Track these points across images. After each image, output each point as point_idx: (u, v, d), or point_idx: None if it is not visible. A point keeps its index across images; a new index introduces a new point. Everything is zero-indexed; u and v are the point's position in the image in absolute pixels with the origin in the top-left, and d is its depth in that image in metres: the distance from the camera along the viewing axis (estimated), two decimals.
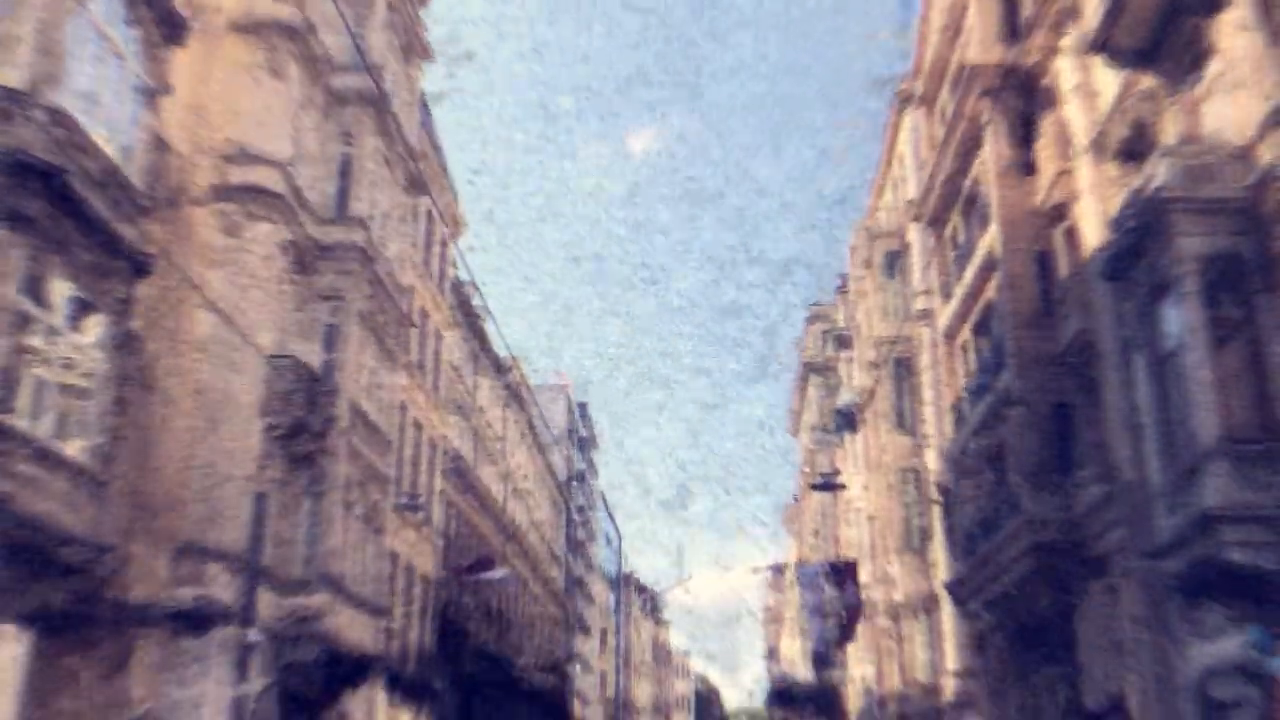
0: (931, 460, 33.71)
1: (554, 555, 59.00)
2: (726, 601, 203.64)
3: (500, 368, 45.25)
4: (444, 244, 36.18)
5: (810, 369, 59.05)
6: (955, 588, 27.42)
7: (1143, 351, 18.36)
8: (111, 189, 15.62)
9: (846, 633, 40.75)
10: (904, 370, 37.26)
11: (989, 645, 27.57)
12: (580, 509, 70.70)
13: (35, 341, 14.34)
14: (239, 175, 21.10)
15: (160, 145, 18.92)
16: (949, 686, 32.53)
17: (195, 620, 18.81)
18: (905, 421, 37.38)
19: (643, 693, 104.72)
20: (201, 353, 20.16)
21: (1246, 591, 15.05)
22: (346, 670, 22.63)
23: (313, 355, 22.81)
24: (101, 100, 16.16)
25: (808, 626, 52.08)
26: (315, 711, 23.02)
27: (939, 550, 32.75)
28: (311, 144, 23.89)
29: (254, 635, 18.05)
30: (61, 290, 14.92)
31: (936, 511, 32.11)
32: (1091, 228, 20.68)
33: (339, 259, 23.74)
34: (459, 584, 34.57)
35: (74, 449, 14.90)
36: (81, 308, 15.44)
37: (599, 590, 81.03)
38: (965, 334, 28.97)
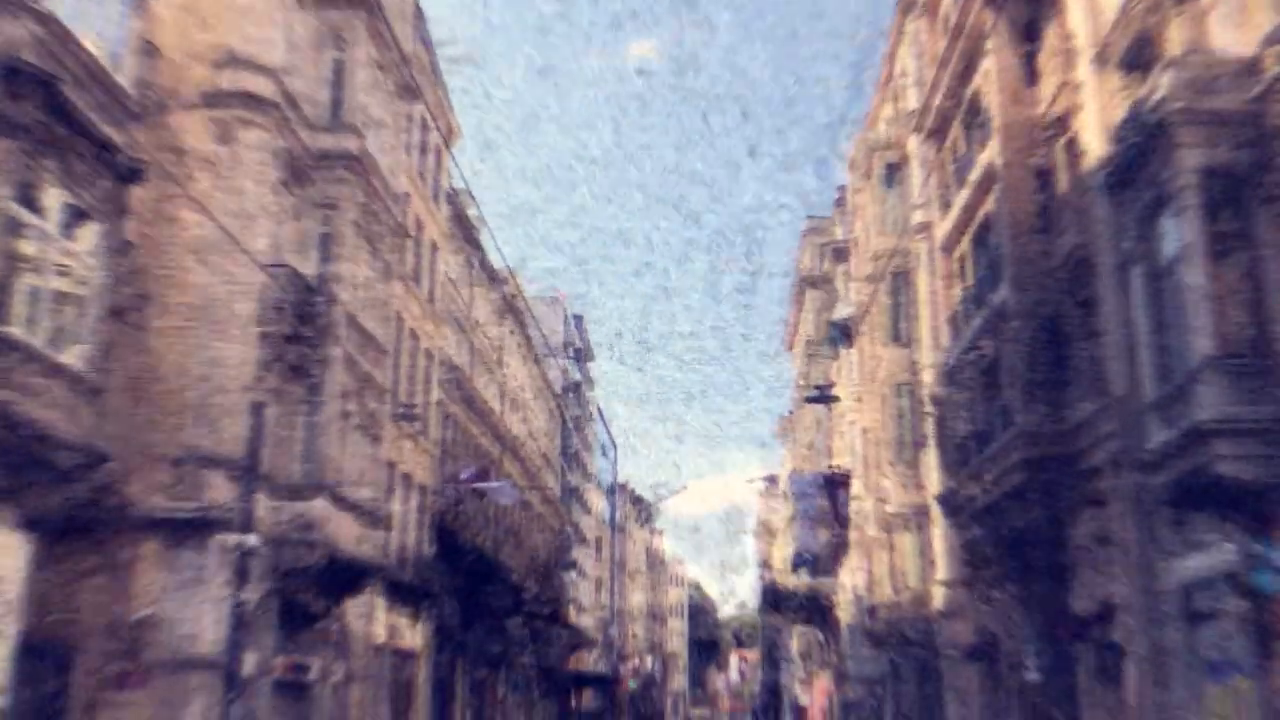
0: (926, 373, 33.87)
1: (550, 465, 59.55)
2: (720, 513, 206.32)
3: (496, 279, 45.14)
4: (439, 153, 35.81)
5: (807, 283, 58.95)
6: (947, 499, 27.77)
7: (1140, 265, 18.35)
8: (102, 94, 15.39)
9: (840, 538, 41.42)
10: (901, 284, 37.22)
11: (978, 556, 28.00)
12: (576, 420, 71.18)
13: (28, 249, 14.26)
14: (230, 81, 20.78)
15: (150, 50, 18.61)
16: (939, 595, 33.13)
17: (194, 526, 19.05)
18: (901, 335, 37.48)
19: (637, 600, 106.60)
20: (196, 261, 20.09)
21: (1235, 504, 15.26)
22: (345, 577, 22.94)
23: (308, 265, 22.73)
24: (89, 4, 15.83)
25: (799, 534, 52.83)
26: (315, 617, 23.42)
27: (931, 463, 33.07)
28: (304, 49, 23.49)
29: (253, 541, 18.27)
30: (54, 197, 14.80)
31: (930, 424, 32.34)
32: (1093, 140, 20.48)
33: (332, 167, 23.51)
34: (456, 493, 34.94)
35: (70, 357, 14.91)
36: (75, 215, 15.33)
37: (595, 500, 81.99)
38: (963, 247, 28.87)
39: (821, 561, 53.27)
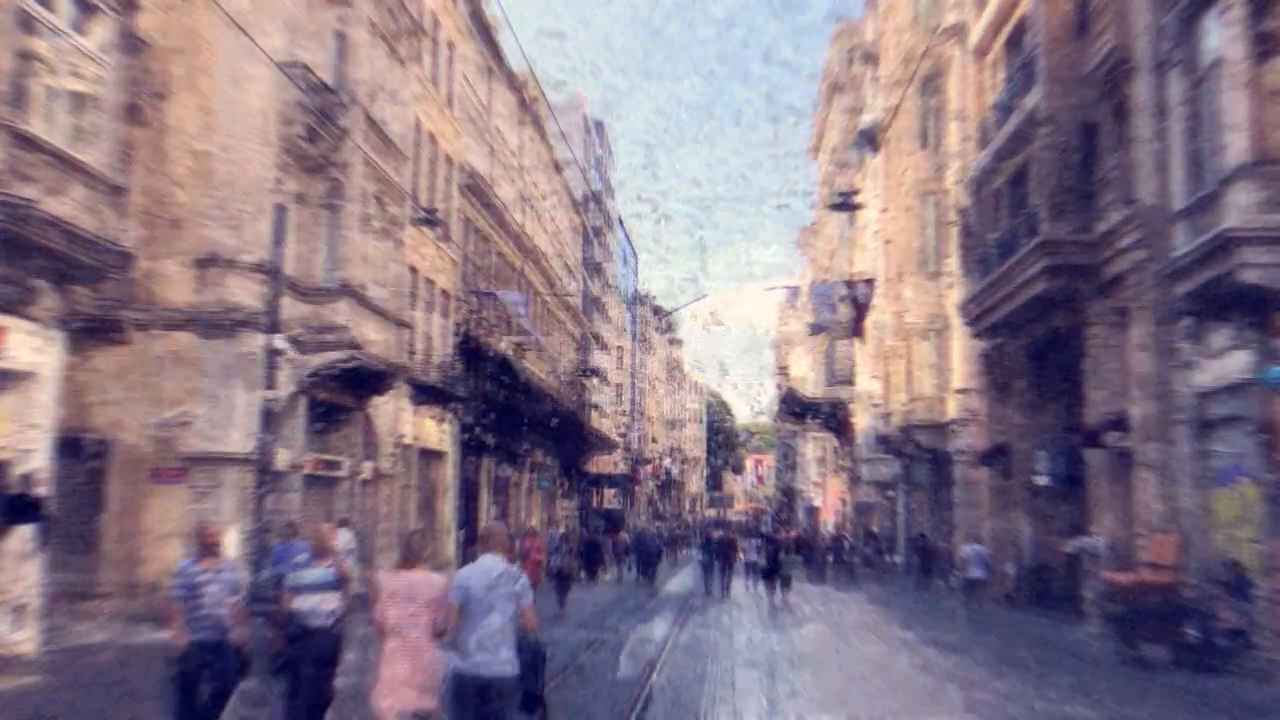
0: (952, 181, 33.38)
1: (572, 274, 59.67)
2: (739, 324, 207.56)
3: (516, 83, 44.14)
4: None
5: (834, 88, 57.45)
6: (967, 308, 27.80)
7: (1178, 69, 17.81)
8: None
9: (855, 327, 41.91)
10: (930, 89, 36.25)
11: (996, 365, 28.25)
12: (597, 229, 70.86)
13: (41, 47, 13.98)
14: None
15: None
16: (954, 403, 33.61)
17: (222, 327, 19.34)
18: (928, 142, 36.75)
19: (656, 407, 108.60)
20: (211, 61, 19.72)
21: (1257, 311, 15.23)
22: (370, 377, 23.39)
23: (324, 67, 22.26)
24: None
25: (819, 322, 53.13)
26: (342, 416, 24.03)
27: (953, 273, 32.98)
28: None
29: (280, 342, 18.54)
30: None
31: (954, 233, 32.09)
32: None
33: None
34: (479, 299, 35.18)
35: (90, 157, 14.82)
36: (84, 9, 14.95)
37: (616, 309, 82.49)
38: (996, 50, 27.98)
39: (839, 369, 53.89)
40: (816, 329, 53.60)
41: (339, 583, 8.83)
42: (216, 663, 8.43)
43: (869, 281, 41.00)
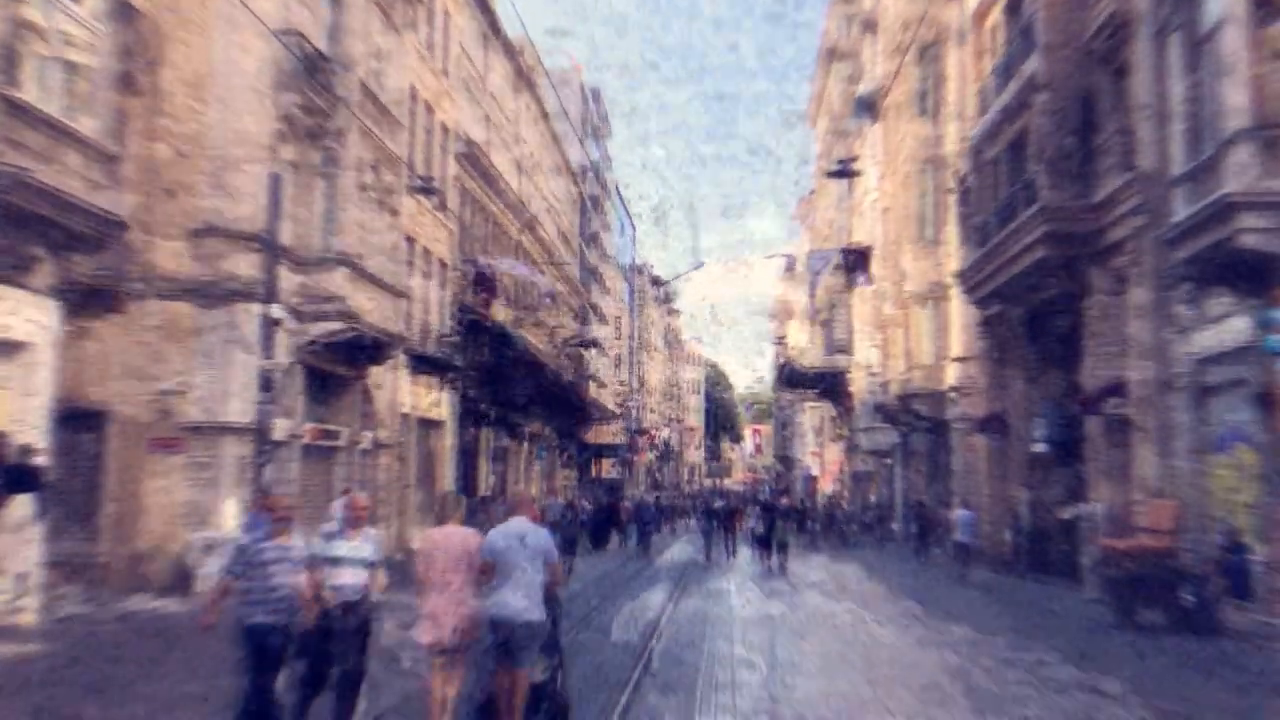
0: (951, 149, 33.24)
1: (569, 244, 59.51)
2: (737, 295, 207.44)
3: (512, 51, 43.83)
4: None
5: (832, 55, 57.11)
6: (966, 276, 27.76)
7: (1179, 33, 17.71)
8: None
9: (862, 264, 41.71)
10: (929, 56, 36.03)
11: (993, 333, 28.24)
12: (594, 199, 70.60)
13: (34, 15, 13.86)
14: None
15: None
16: (952, 372, 33.63)
17: (219, 297, 19.29)
18: (927, 110, 36.57)
19: (655, 377, 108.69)
20: (204, 28, 19.57)
21: (1256, 277, 15.21)
22: (367, 347, 23.35)
23: (319, 34, 22.10)
24: None
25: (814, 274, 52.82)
26: (340, 386, 24.01)
27: (951, 241, 32.92)
28: None
29: (277, 311, 18.53)
30: None
31: (952, 201, 32.00)
32: None
33: None
34: (476, 269, 35.06)
35: (85, 126, 14.73)
36: None
37: (614, 280, 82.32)
38: (995, 15, 27.82)
39: (837, 339, 53.84)
40: (815, 290, 52.83)
41: (372, 557, 8.54)
42: (289, 645, 7.90)
43: (865, 254, 40.97)
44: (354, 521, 8.65)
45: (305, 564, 8.03)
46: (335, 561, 8.38)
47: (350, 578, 8.38)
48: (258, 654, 7.67)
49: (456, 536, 8.22)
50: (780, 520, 28.98)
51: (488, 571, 8.00)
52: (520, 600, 7.84)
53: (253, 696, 7.64)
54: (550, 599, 8.22)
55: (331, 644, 8.24)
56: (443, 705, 8.12)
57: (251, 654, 7.68)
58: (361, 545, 8.54)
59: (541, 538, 8.15)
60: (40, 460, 14.21)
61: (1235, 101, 15.27)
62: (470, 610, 8.02)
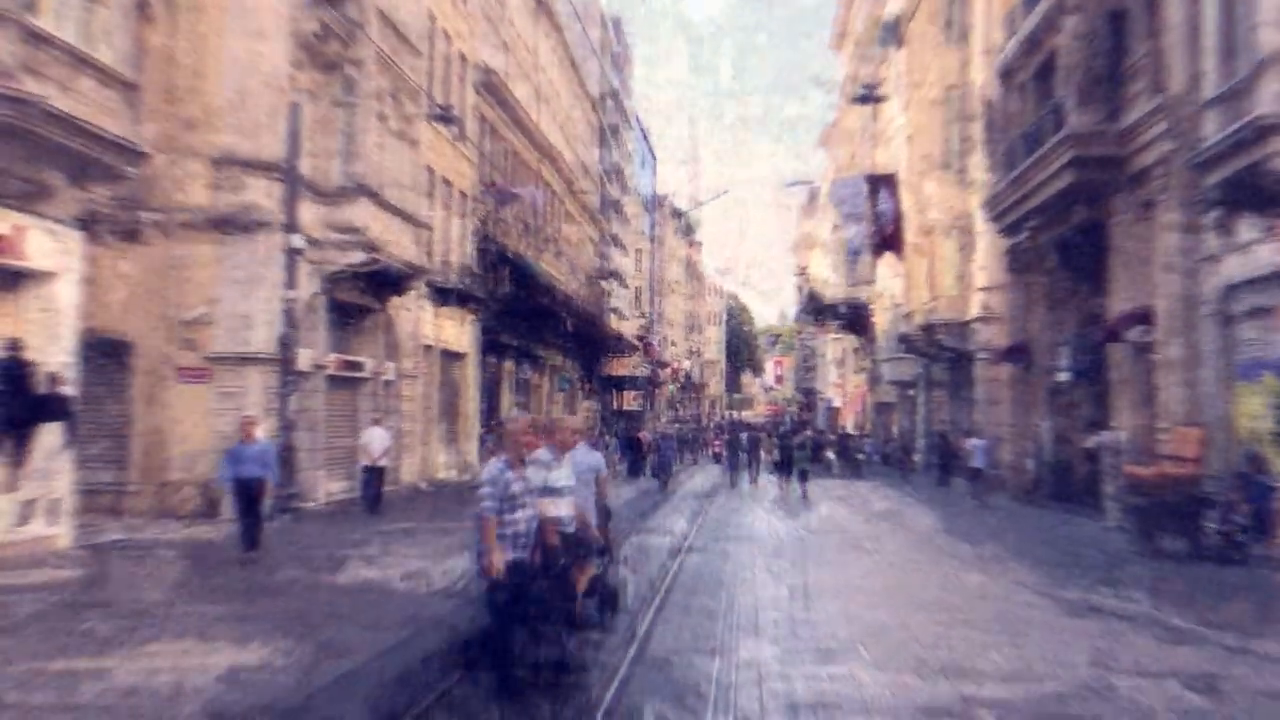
0: (977, 74, 32.67)
1: (589, 175, 59.08)
2: (759, 227, 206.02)
3: None
4: None
5: None
6: (992, 204, 27.43)
7: None
8: None
9: (890, 242, 40.96)
10: None
11: (1018, 262, 27.97)
12: (614, 129, 69.91)
13: None
14: None
15: None
16: (975, 301, 33.41)
17: (241, 227, 19.30)
18: (953, 35, 35.89)
19: (676, 308, 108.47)
20: None
21: None
22: (389, 277, 23.37)
23: None
24: None
25: (845, 236, 52.38)
26: (363, 317, 24.09)
27: (977, 169, 32.48)
28: None
29: (298, 241, 18.55)
30: None
31: (978, 127, 31.52)
32: None
33: None
34: (498, 198, 34.91)
35: (103, 54, 14.63)
36: None
37: (634, 211, 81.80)
38: None
39: (860, 270, 53.47)
40: (848, 221, 51.65)
41: (572, 483, 8.71)
42: (526, 585, 7.54)
43: (890, 181, 40.39)
44: (563, 449, 8.76)
45: (539, 495, 7.89)
46: (553, 492, 8.28)
47: (566, 508, 8.51)
48: (511, 590, 7.32)
49: (580, 454, 9.42)
50: (796, 450, 29.38)
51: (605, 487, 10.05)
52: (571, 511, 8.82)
53: (497, 634, 7.39)
54: (603, 507, 9.85)
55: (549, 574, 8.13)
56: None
57: (501, 599, 7.31)
58: (569, 473, 8.68)
59: (595, 458, 9.98)
60: (67, 389, 14.36)
61: (1269, 21, 14.90)
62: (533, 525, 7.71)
